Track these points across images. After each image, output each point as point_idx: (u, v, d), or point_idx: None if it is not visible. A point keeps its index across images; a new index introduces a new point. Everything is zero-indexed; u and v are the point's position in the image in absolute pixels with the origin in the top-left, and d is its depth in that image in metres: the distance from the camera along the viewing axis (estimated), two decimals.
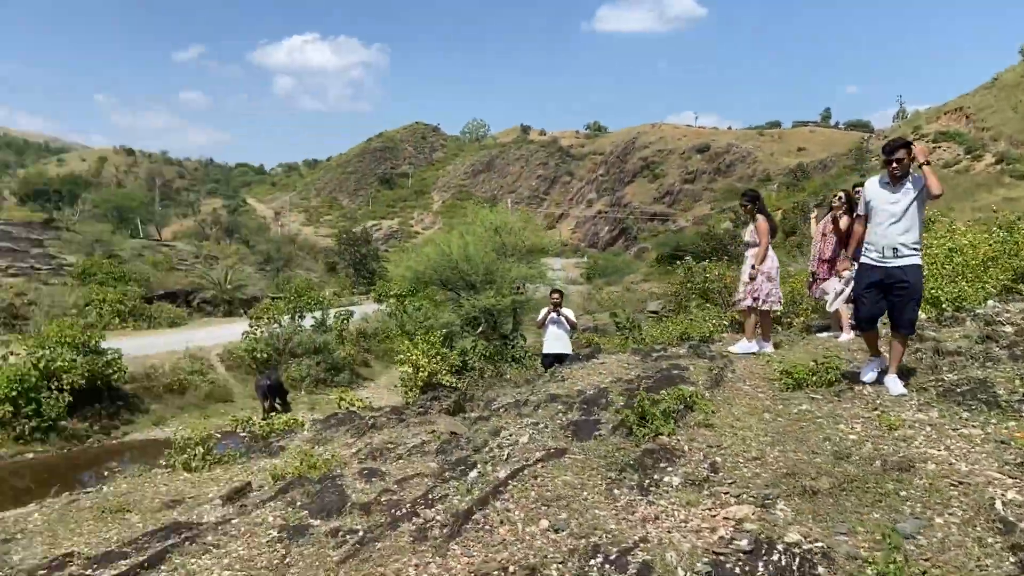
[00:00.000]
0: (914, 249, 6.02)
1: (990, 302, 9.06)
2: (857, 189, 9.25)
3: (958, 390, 5.82)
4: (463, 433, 6.88)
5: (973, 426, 5.06)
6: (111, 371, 20.84)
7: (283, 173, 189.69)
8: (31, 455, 18.40)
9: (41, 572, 4.98)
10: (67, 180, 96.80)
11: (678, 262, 52.37)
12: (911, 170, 6.02)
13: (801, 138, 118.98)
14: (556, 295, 12.56)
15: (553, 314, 12.17)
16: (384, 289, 34.37)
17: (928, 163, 5.97)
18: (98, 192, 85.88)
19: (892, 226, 6.02)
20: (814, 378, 6.56)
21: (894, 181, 6.07)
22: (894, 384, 6.18)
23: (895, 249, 6.00)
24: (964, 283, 9.67)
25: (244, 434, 11.54)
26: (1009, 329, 7.48)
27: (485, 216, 25.63)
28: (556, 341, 12.13)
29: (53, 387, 18.83)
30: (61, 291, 30.88)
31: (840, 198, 9.53)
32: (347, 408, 12.57)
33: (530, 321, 26.82)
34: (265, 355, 25.36)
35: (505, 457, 5.55)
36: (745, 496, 4.32)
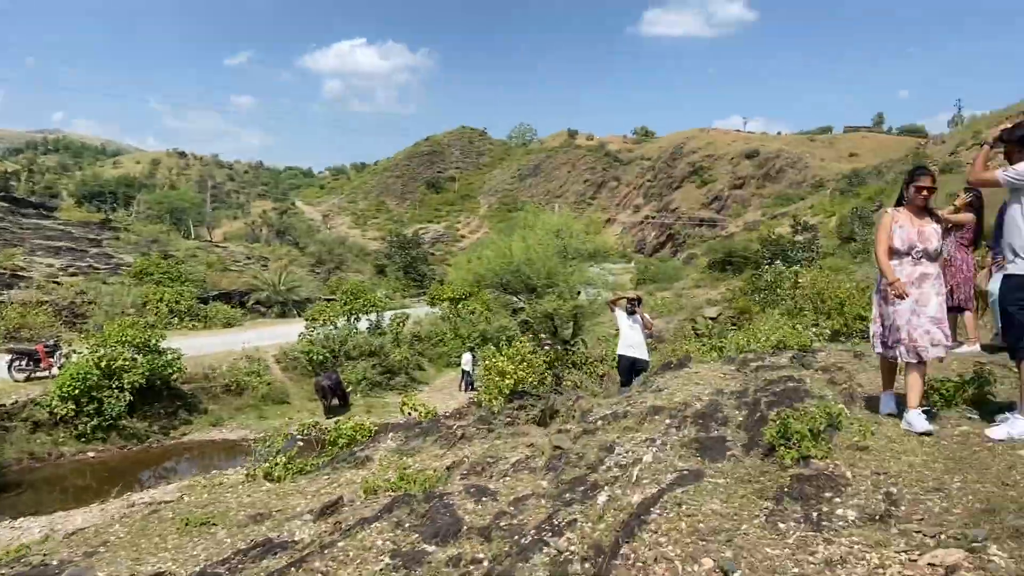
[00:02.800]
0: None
1: None
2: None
3: None
4: (568, 448, 6.33)
5: None
6: (171, 371, 20.80)
7: (331, 176, 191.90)
8: (92, 454, 18.39)
9: None
10: (122, 182, 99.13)
11: (730, 267, 51.16)
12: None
13: (853, 143, 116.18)
14: (633, 299, 12.00)
15: (629, 317, 11.62)
16: (438, 292, 34.06)
17: None
18: (152, 194, 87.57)
19: None
20: (964, 395, 5.88)
21: None
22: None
23: None
24: None
25: (301, 438, 11.15)
26: None
27: (547, 219, 25.08)
28: (634, 345, 11.55)
29: (114, 386, 18.80)
30: (119, 290, 31.14)
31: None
32: (409, 412, 12.13)
33: (591, 326, 26.23)
34: (321, 357, 25.19)
35: (633, 479, 4.97)
36: (945, 537, 3.69)
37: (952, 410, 5.80)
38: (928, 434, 5.13)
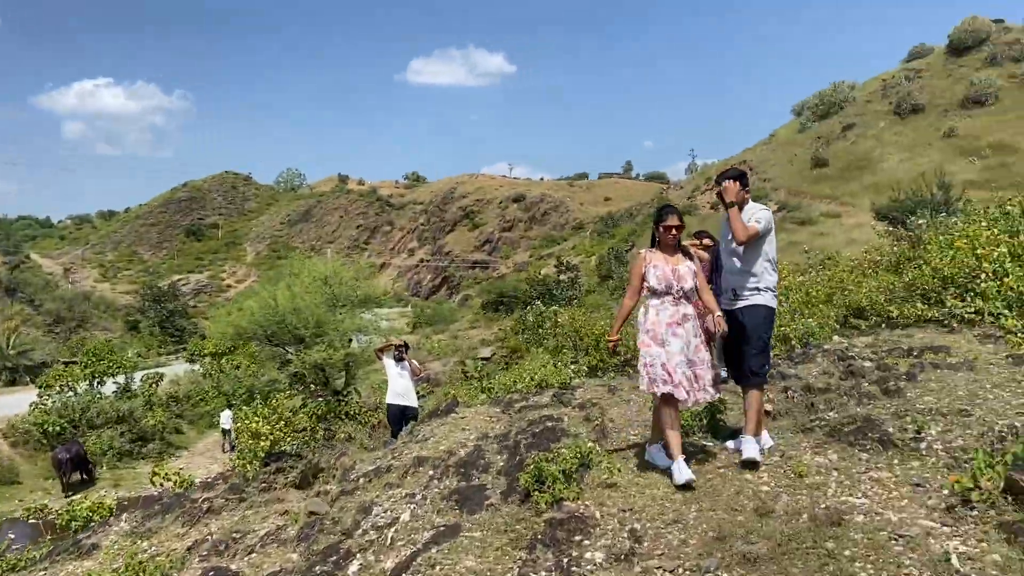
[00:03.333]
0: (753, 290, 5.59)
1: (835, 337, 9.38)
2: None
3: (845, 429, 5.70)
4: (325, 512, 5.94)
5: (879, 468, 4.90)
6: None
7: (73, 225, 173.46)
8: None
9: None
10: None
11: (502, 307, 52.62)
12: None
13: (607, 189, 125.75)
14: (400, 345, 11.83)
15: (397, 364, 11.44)
16: (198, 347, 31.70)
17: (733, 204, 5.59)
18: None
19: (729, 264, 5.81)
20: (700, 423, 6.28)
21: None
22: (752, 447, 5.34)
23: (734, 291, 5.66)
24: (806, 319, 10.02)
25: (31, 522, 9.69)
26: (869, 364, 7.65)
27: (313, 266, 24.27)
28: (402, 393, 11.37)
29: None
30: None
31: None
32: (161, 483, 11.02)
33: (364, 374, 25.63)
34: (58, 428, 22.35)
35: (388, 542, 4.72)
36: (682, 570, 3.81)
37: (690, 439, 6.17)
38: (688, 487, 4.92)
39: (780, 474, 5.06)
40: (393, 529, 4.93)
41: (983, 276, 8.54)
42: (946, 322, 8.82)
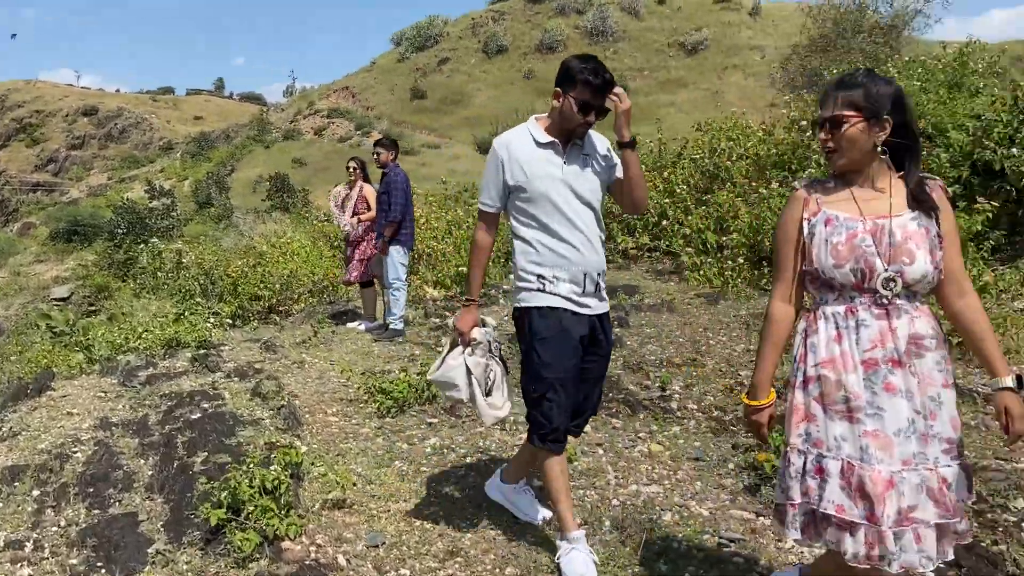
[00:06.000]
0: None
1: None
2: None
3: None
4: None
5: (643, 438, 4.30)
6: None
7: None
8: None
9: None
10: None
11: (77, 237, 45.35)
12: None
13: (198, 107, 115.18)
14: None
15: None
16: None
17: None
18: None
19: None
20: (417, 394, 5.17)
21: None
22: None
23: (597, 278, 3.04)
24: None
25: None
26: None
27: None
28: None
29: None
30: None
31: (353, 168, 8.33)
32: None
33: None
34: None
35: None
36: None
37: (409, 415, 5.05)
38: None
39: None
40: None
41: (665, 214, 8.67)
42: (610, 257, 8.89)
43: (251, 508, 3.44)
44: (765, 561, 3.06)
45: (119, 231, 30.38)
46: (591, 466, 3.98)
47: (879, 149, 2.12)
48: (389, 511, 3.61)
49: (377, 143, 7.93)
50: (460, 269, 9.30)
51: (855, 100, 2.09)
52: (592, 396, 3.16)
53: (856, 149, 2.12)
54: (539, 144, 2.98)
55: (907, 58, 10.80)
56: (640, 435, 4.34)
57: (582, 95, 2.84)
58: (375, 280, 8.19)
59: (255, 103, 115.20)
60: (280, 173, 42.46)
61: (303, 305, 9.94)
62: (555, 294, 2.94)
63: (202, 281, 9.96)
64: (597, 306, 3.04)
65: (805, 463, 2.14)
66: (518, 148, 2.99)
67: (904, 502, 2.01)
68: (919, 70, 9.91)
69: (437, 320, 8.23)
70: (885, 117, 2.08)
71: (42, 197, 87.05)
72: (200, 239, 22.34)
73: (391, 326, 7.66)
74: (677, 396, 4.75)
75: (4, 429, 5.95)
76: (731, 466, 3.95)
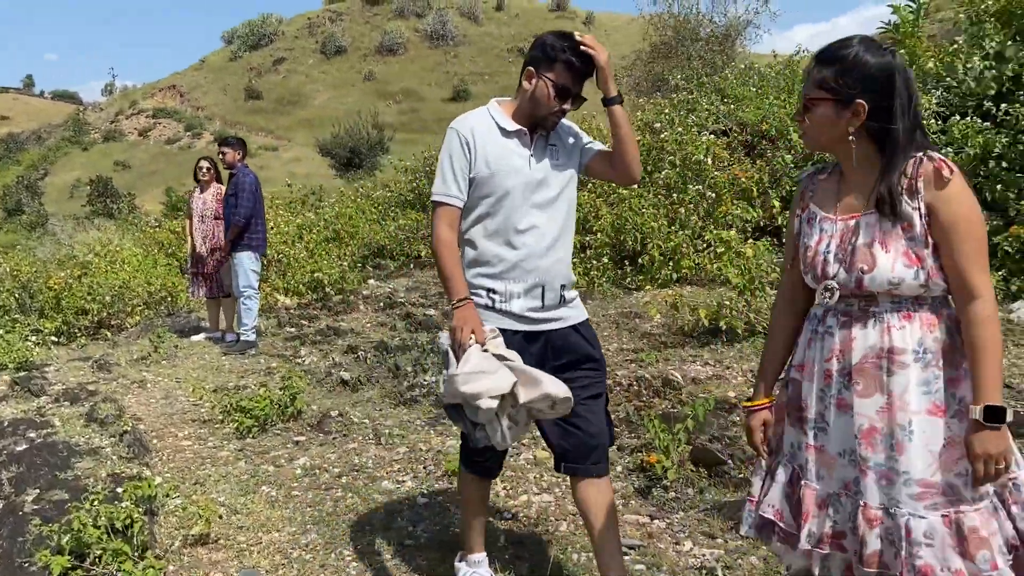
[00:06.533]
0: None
1: (371, 281, 8.53)
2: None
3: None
4: None
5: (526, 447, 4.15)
6: None
7: None
8: None
9: None
10: None
11: None
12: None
13: (4, 106, 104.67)
14: None
15: None
16: None
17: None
18: None
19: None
20: (279, 410, 4.74)
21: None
22: None
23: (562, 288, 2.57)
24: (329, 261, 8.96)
25: None
26: (433, 312, 6.95)
27: None
28: None
29: None
30: None
31: (207, 169, 7.67)
32: None
33: None
34: None
35: None
36: None
37: (271, 434, 4.63)
38: None
39: (431, 475, 3.94)
40: None
41: None
42: None
43: (99, 552, 2.97)
44: (667, 567, 2.97)
45: None
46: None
47: (850, 138, 1.82)
48: (261, 543, 3.23)
49: (223, 142, 7.36)
50: (314, 275, 8.84)
51: (826, 79, 1.81)
52: (593, 422, 2.50)
53: (824, 135, 1.86)
54: (504, 132, 2.50)
55: (743, 65, 11.45)
56: (523, 442, 4.19)
57: (561, 78, 2.41)
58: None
59: (70, 102, 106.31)
60: (102, 177, 39.39)
61: (138, 318, 9.08)
62: (507, 312, 2.47)
63: (18, 295, 8.87)
64: (568, 315, 2.54)
65: (772, 464, 2.04)
66: (483, 135, 2.49)
67: (828, 528, 1.84)
68: (754, 77, 10.52)
69: (292, 329, 7.73)
70: (858, 101, 1.77)
71: None
72: (13, 249, 20.15)
73: (243, 337, 7.11)
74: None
75: None
76: (619, 468, 3.86)
